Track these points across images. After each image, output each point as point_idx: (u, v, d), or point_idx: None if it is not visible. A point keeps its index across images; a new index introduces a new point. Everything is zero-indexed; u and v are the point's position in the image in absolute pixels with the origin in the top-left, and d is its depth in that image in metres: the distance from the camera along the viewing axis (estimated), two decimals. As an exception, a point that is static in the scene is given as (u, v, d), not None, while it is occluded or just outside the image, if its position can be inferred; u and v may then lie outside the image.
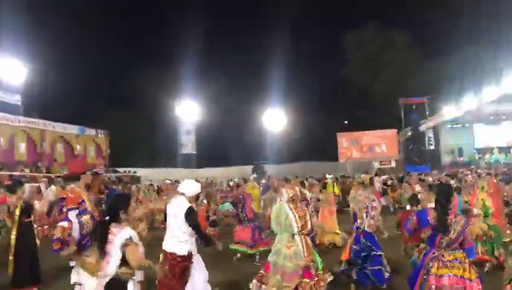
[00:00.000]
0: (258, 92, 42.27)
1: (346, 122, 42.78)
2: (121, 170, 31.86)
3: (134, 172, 31.45)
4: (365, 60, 42.67)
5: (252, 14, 50.20)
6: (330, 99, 42.47)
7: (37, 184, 16.72)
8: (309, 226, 5.49)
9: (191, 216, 5.26)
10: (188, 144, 42.15)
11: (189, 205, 5.34)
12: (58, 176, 21.51)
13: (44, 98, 32.98)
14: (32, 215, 7.28)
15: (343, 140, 35.60)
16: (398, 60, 41.37)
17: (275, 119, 40.77)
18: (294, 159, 38.67)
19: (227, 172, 34.24)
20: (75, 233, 5.85)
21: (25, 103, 28.78)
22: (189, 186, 5.57)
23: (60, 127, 29.77)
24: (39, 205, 7.62)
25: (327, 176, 19.37)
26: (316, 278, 5.27)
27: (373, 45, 42.39)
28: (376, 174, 20.82)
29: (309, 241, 5.56)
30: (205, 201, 12.26)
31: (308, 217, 5.53)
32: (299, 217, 5.43)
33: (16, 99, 28.02)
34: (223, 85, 45.63)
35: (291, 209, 5.47)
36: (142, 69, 43.33)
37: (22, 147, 27.00)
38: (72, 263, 5.99)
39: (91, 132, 32.57)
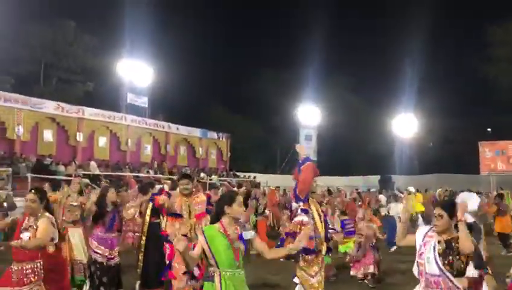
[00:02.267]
0: (386, 95, 40.98)
1: (489, 129, 39.51)
2: (241, 174, 32.69)
3: (254, 177, 32.04)
4: (514, 58, 38.99)
5: (379, 7, 48.57)
6: (471, 103, 39.60)
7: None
8: None
9: None
10: (308, 150, 41.94)
11: None
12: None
13: (167, 100, 35.25)
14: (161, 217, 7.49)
15: (486, 150, 32.69)
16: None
17: (405, 125, 38.97)
18: (427, 171, 36.61)
19: (350, 182, 33.45)
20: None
21: (150, 104, 30.93)
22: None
23: (184, 130, 31.30)
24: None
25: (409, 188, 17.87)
26: None
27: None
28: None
29: None
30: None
31: None
32: None
33: (143, 101, 30.14)
34: (346, 87, 45.00)
35: None
36: (262, 72, 44.34)
37: (148, 148, 29.00)
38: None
39: (213, 135, 33.85)
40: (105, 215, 6.60)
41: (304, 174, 5.50)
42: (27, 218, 4.57)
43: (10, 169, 17.37)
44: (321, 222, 5.64)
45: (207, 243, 3.71)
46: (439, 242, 3.78)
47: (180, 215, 5.87)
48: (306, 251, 5.33)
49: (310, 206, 5.57)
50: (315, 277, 5.29)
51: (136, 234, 10.99)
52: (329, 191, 15.14)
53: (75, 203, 7.39)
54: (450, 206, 3.84)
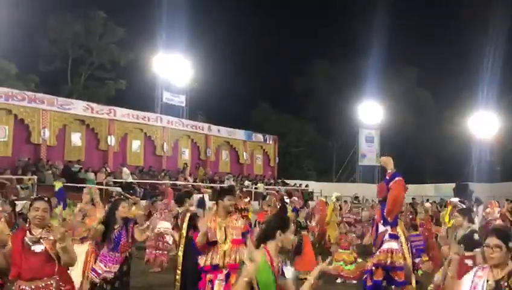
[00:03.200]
0: (461, 89, 39.81)
1: None
2: (291, 182, 32.44)
3: (306, 186, 31.73)
4: None
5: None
6: None
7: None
8: None
9: None
10: (369, 154, 41.37)
11: None
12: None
13: (207, 98, 35.44)
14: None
15: None
16: None
17: (484, 124, 37.74)
18: (508, 177, 35.27)
19: (419, 190, 32.61)
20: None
21: (188, 104, 31.14)
22: None
23: (226, 132, 31.26)
24: None
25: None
26: None
27: None
28: None
29: None
30: None
31: None
32: None
33: (181, 100, 30.40)
34: (413, 81, 44.09)
35: None
36: (315, 66, 43.89)
37: (186, 153, 29.17)
38: None
39: (259, 137, 33.67)
40: (111, 233, 6.48)
41: (395, 191, 5.25)
42: (30, 231, 4.39)
43: (35, 177, 17.82)
44: (408, 249, 5.45)
45: (256, 273, 3.43)
46: (487, 281, 3.56)
47: (214, 243, 5.48)
48: (395, 283, 5.17)
49: (398, 231, 5.39)
50: None
51: (158, 251, 11.14)
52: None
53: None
54: (508, 235, 3.60)
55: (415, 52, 41.71)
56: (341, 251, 10.63)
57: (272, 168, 34.62)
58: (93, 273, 6.43)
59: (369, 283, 5.18)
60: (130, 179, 22.19)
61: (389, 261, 5.11)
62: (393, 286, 5.22)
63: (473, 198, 26.39)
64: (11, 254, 4.34)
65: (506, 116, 38.26)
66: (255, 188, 26.05)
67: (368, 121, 40.57)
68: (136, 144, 26.50)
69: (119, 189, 18.85)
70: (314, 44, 45.66)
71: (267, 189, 26.14)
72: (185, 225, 7.25)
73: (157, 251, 11.24)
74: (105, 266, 6.37)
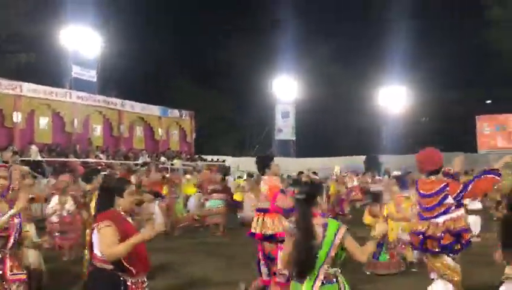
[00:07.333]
0: (372, 65, 40.97)
1: (488, 101, 40.09)
2: (208, 157, 32.45)
3: (223, 161, 31.86)
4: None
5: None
6: (467, 72, 39.81)
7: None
8: None
9: None
10: (285, 129, 42.05)
11: None
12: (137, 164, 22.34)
13: (120, 73, 34.47)
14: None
15: (485, 125, 33.37)
16: None
17: (394, 98, 39.21)
18: (419, 149, 36.90)
19: (332, 163, 33.60)
20: None
21: (100, 79, 30.19)
22: None
23: (140, 108, 30.71)
24: None
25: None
26: None
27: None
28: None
29: None
30: None
31: None
32: None
33: (91, 75, 29.36)
34: (327, 57, 44.88)
35: None
36: (230, 41, 43.76)
37: (98, 130, 28.34)
38: None
39: (174, 113, 33.33)
40: None
41: (486, 186, 5.72)
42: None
43: None
44: None
45: None
46: None
47: None
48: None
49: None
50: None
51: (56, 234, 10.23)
52: None
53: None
54: None
55: (329, 27, 42.50)
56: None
57: (189, 144, 34.41)
58: None
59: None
60: (38, 158, 21.30)
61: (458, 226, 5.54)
62: None
63: (381, 169, 27.64)
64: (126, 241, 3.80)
65: (416, 89, 39.85)
66: (171, 164, 25.82)
67: (284, 96, 41.13)
68: (43, 121, 25.43)
69: (26, 168, 17.97)
70: (230, 18, 45.33)
71: (184, 165, 25.99)
72: (93, 204, 7.04)
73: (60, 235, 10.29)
74: None
